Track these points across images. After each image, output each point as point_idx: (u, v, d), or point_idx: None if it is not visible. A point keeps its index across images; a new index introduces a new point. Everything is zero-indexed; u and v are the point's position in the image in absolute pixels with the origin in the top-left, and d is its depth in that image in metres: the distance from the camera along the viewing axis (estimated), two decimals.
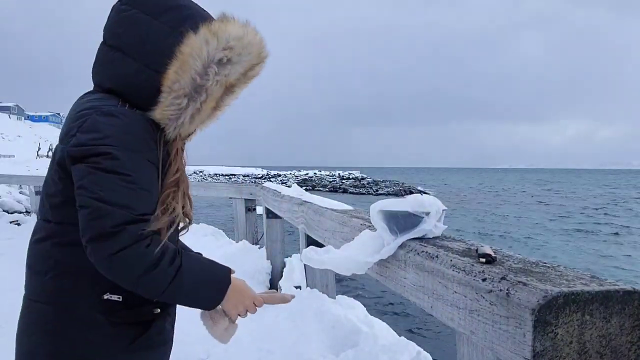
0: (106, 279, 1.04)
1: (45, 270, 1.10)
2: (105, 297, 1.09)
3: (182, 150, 1.20)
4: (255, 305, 1.23)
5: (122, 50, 1.13)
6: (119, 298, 1.10)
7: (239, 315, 1.22)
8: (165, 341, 1.25)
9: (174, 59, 1.10)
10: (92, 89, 1.22)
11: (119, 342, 1.12)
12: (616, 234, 20.77)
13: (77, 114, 1.10)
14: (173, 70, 1.09)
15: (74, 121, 1.09)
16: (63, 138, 1.11)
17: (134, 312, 1.14)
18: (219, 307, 1.19)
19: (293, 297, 1.34)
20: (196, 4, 1.22)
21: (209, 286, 1.12)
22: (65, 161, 1.07)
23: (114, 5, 1.18)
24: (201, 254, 1.29)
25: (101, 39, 1.21)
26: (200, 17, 1.16)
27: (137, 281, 1.01)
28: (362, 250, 1.50)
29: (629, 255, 15.90)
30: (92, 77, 1.21)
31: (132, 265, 0.99)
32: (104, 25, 1.21)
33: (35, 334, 1.11)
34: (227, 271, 1.17)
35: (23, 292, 1.18)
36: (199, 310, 1.23)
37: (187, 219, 1.26)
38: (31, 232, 1.19)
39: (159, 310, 1.18)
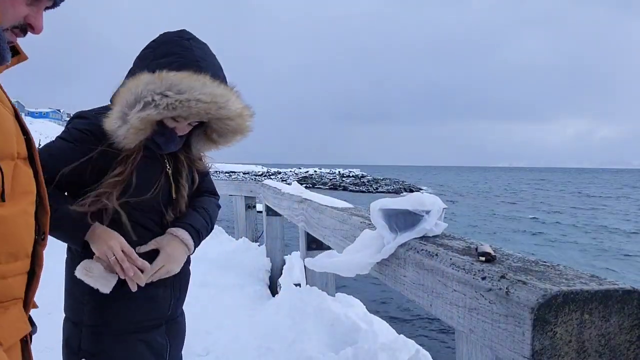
0: None
1: None
2: None
3: (139, 160, 1.34)
4: (124, 252, 1.27)
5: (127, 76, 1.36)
6: None
7: (107, 256, 1.25)
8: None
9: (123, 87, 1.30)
10: None
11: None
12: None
13: None
14: (117, 96, 1.30)
15: None
16: None
17: None
18: (93, 259, 1.27)
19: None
20: (195, 54, 1.31)
21: (71, 223, 1.26)
22: None
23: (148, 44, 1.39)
24: None
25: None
26: (179, 65, 1.28)
27: None
28: (363, 251, 1.51)
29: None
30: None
31: None
32: None
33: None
34: (87, 220, 1.28)
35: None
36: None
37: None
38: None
39: None
